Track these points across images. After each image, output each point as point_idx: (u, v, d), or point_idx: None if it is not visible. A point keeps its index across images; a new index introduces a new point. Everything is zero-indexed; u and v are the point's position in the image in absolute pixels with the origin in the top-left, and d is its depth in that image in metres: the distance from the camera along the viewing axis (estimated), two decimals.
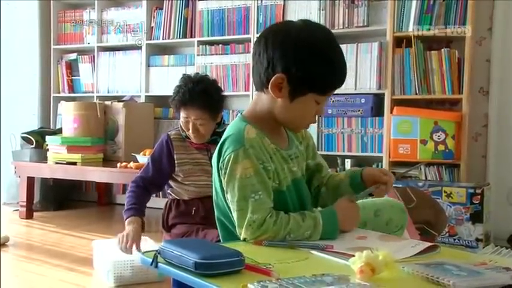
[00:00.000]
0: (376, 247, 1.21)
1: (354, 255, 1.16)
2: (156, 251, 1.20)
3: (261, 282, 1.00)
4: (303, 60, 1.35)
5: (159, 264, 1.18)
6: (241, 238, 1.38)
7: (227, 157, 1.38)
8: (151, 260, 1.19)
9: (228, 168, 1.38)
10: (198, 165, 2.47)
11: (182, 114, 2.41)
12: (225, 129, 2.51)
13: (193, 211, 2.43)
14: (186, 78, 2.42)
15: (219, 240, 2.14)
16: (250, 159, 1.36)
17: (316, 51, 1.36)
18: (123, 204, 2.42)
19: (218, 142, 2.43)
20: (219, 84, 2.54)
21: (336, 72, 1.41)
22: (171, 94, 2.45)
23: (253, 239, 1.35)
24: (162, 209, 2.60)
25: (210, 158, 2.45)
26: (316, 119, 1.50)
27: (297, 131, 1.56)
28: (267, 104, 1.44)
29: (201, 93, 2.34)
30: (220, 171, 1.42)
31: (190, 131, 2.40)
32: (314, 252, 1.28)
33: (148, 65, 4.56)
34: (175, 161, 2.45)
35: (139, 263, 1.31)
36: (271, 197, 1.39)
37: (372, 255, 1.10)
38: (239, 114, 1.55)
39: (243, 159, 1.36)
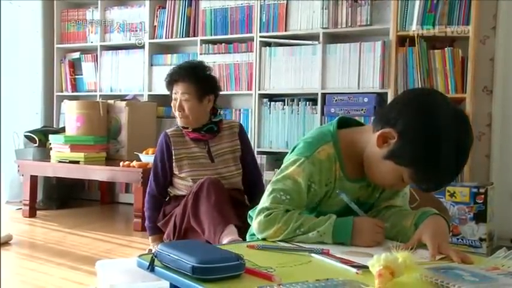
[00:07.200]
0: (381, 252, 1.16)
1: (351, 261, 1.15)
2: (153, 254, 1.14)
3: None
4: (414, 143, 1.32)
5: (156, 268, 1.12)
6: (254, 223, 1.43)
7: (292, 156, 1.47)
8: (148, 264, 1.13)
9: (284, 163, 1.47)
10: (195, 159, 2.54)
11: (172, 93, 2.56)
12: (221, 120, 2.60)
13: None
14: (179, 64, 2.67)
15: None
16: (304, 172, 1.42)
17: (431, 150, 1.29)
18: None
19: (215, 131, 2.55)
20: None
21: (434, 175, 1.34)
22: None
23: (262, 230, 1.39)
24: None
25: (208, 152, 2.53)
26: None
27: (372, 180, 1.48)
28: (367, 140, 1.43)
29: (188, 68, 2.55)
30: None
31: (176, 109, 2.52)
32: (314, 255, 1.24)
33: (151, 64, 4.56)
34: (173, 157, 2.53)
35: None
36: (297, 208, 1.43)
37: (390, 257, 1.03)
38: (336, 119, 1.54)
39: (298, 167, 1.42)
